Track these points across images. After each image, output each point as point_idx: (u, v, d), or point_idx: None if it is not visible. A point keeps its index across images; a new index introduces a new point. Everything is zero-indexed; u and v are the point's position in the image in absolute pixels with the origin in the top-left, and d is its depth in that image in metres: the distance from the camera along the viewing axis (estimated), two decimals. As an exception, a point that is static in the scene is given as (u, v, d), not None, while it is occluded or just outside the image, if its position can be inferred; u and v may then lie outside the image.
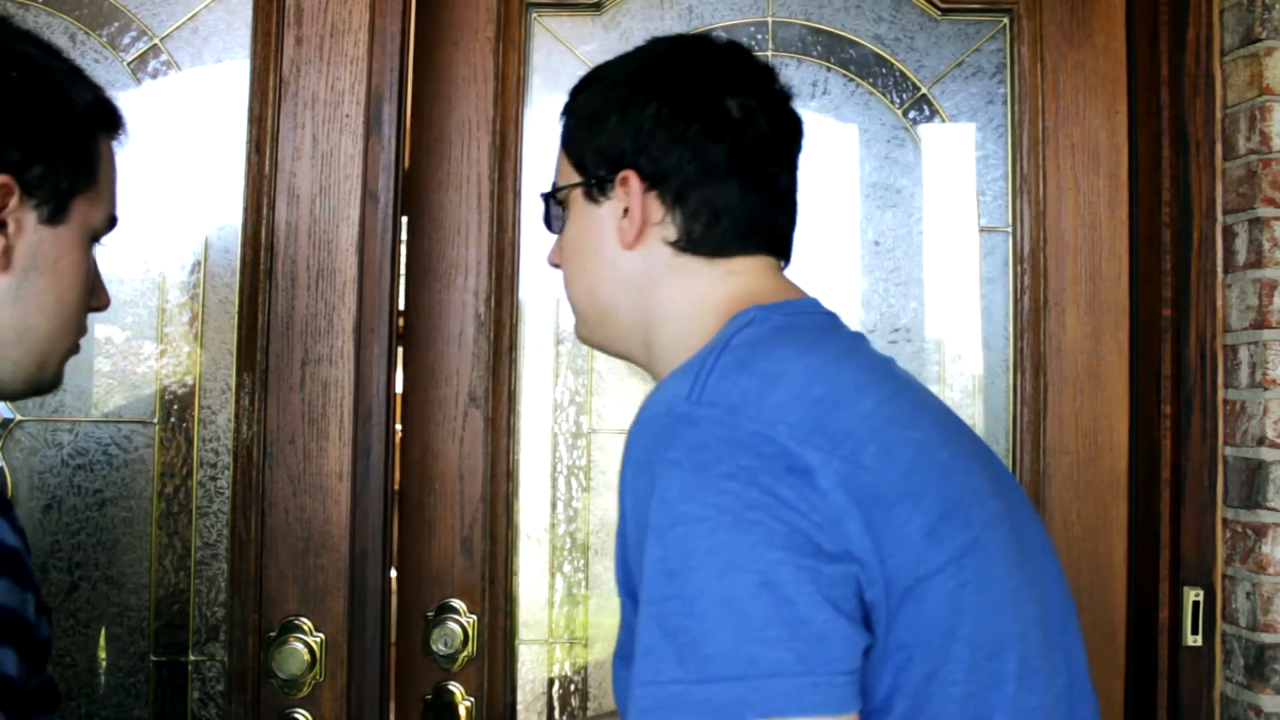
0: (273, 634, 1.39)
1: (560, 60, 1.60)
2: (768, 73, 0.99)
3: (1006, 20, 1.69)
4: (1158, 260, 1.59)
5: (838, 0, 1.67)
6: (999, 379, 1.69)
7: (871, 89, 1.68)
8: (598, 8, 1.59)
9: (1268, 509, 1.46)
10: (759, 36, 1.66)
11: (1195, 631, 1.53)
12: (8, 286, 0.83)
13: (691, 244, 0.93)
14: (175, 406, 1.44)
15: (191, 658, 1.42)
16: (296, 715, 1.39)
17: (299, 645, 1.38)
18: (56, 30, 1.42)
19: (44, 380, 0.89)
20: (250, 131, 1.42)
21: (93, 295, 0.92)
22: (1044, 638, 0.82)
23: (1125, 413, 1.57)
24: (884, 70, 1.70)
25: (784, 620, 0.70)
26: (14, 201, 0.82)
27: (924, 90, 1.68)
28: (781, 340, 0.85)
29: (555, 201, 1.02)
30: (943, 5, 1.71)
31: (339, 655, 1.37)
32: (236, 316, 1.44)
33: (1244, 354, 1.51)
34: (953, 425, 0.88)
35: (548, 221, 1.05)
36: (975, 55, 1.70)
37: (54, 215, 0.85)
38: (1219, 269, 1.55)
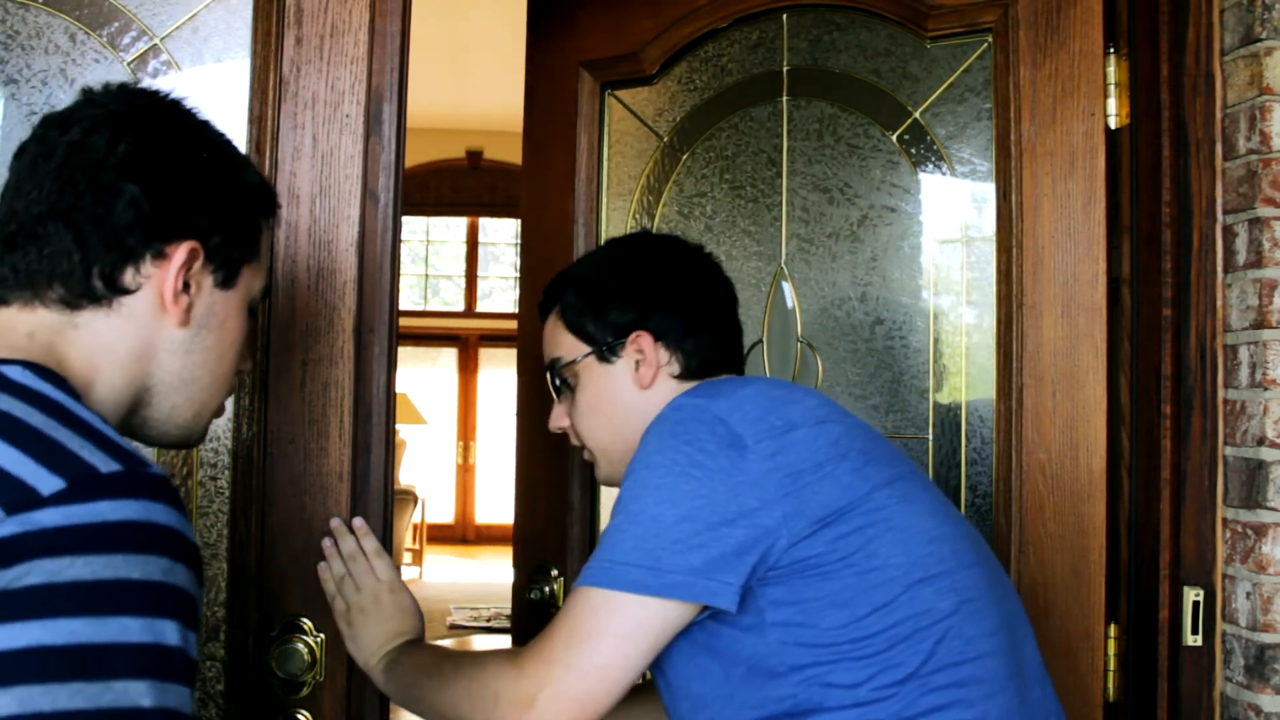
0: (273, 634, 1.39)
1: (626, 122, 2.04)
2: (706, 254, 1.37)
3: (989, 39, 1.70)
4: (1158, 260, 1.59)
5: (840, 43, 1.84)
6: (984, 381, 1.70)
7: (870, 120, 1.81)
8: (651, 79, 2.00)
9: (1268, 509, 1.46)
10: (776, 85, 1.89)
11: (1195, 631, 1.53)
12: (182, 339, 0.94)
13: (690, 373, 1.29)
14: (175, 406, 1.44)
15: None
16: (297, 715, 1.39)
17: (299, 645, 1.38)
18: (57, 30, 1.41)
19: (194, 432, 0.99)
20: (250, 131, 1.42)
21: (242, 358, 1.02)
22: (969, 548, 1.15)
23: (1103, 413, 1.57)
24: (881, 101, 1.81)
25: (689, 543, 1.04)
26: (198, 265, 0.94)
27: (915, 115, 1.78)
28: (746, 378, 1.24)
29: (564, 373, 1.32)
30: (931, 34, 1.75)
31: (340, 655, 1.37)
32: (236, 316, 1.44)
33: (1244, 354, 1.51)
34: (874, 434, 1.19)
35: (557, 392, 1.34)
36: (964, 76, 1.75)
37: (226, 280, 0.97)
38: (1219, 269, 1.55)
